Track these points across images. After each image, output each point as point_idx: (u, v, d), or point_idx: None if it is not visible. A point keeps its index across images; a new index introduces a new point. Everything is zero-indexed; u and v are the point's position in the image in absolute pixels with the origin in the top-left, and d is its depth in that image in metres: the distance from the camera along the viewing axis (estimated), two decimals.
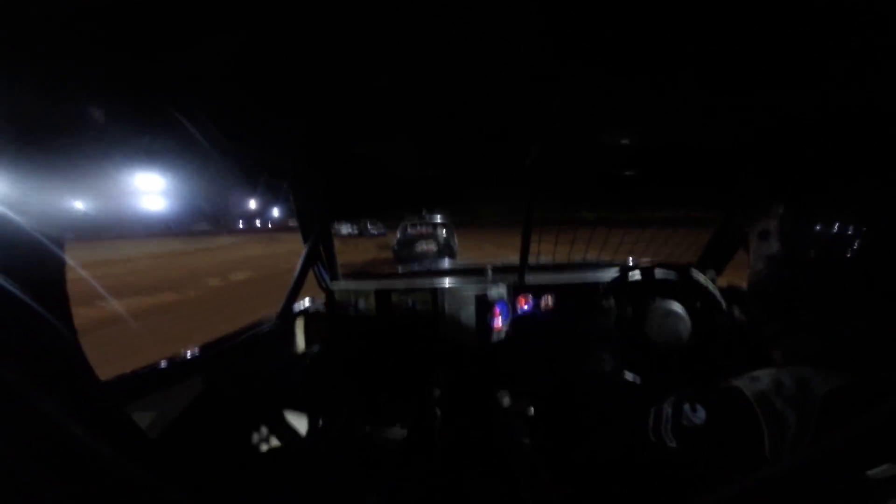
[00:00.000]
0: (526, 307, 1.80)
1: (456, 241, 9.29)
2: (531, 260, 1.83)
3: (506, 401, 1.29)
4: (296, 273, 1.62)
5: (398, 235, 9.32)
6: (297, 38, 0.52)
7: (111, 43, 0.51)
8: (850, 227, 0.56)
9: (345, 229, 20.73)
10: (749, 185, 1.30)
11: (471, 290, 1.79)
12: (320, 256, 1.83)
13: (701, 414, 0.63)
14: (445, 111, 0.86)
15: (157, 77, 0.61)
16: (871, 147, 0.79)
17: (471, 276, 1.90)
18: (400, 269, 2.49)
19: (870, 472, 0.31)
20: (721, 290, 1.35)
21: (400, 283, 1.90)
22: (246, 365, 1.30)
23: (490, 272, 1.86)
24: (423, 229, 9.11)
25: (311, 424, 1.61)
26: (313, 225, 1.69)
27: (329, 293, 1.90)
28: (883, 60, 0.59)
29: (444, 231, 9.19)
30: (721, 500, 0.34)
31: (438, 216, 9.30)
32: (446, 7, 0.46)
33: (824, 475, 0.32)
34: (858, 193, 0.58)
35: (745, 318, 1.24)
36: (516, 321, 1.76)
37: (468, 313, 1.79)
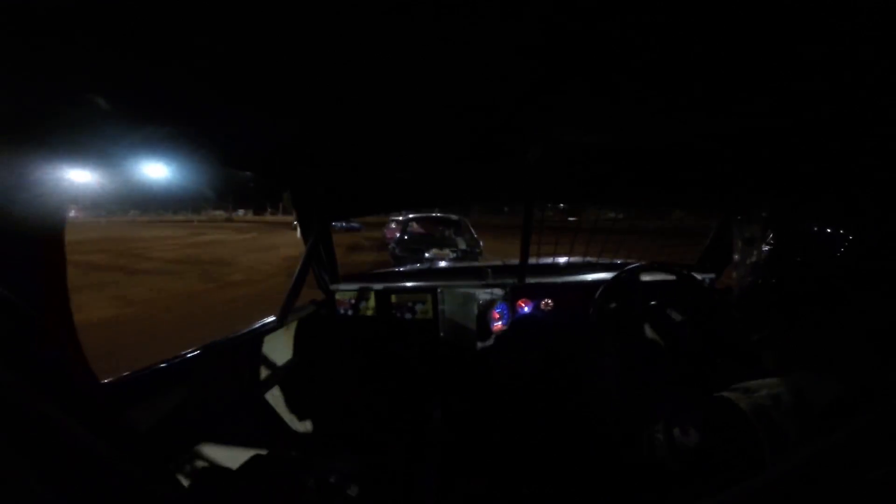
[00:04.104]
0: (526, 309, 1.80)
1: (481, 244, 6.72)
2: (531, 260, 1.83)
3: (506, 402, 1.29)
4: (295, 274, 1.61)
5: (397, 234, 6.99)
6: (295, 36, 0.52)
7: (109, 38, 0.50)
8: (836, 231, 0.56)
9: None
10: (741, 191, 1.29)
11: (471, 291, 1.79)
12: (320, 257, 1.82)
13: (693, 436, 0.61)
14: (445, 111, 0.86)
15: (153, 74, 0.61)
16: (857, 153, 0.78)
17: (471, 276, 1.90)
18: (400, 268, 2.49)
19: (870, 473, 0.31)
20: (720, 292, 1.35)
21: (400, 285, 1.89)
22: (245, 366, 1.30)
23: (490, 273, 1.86)
24: (435, 228, 6.75)
25: (311, 426, 1.60)
26: (312, 225, 1.68)
27: (329, 294, 1.89)
28: (873, 68, 0.58)
29: (463, 231, 6.75)
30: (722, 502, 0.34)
31: (453, 214, 6.89)
32: (445, 10, 0.46)
33: (824, 475, 0.32)
34: (843, 198, 0.58)
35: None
36: (516, 323, 1.75)
37: (469, 315, 1.79)
